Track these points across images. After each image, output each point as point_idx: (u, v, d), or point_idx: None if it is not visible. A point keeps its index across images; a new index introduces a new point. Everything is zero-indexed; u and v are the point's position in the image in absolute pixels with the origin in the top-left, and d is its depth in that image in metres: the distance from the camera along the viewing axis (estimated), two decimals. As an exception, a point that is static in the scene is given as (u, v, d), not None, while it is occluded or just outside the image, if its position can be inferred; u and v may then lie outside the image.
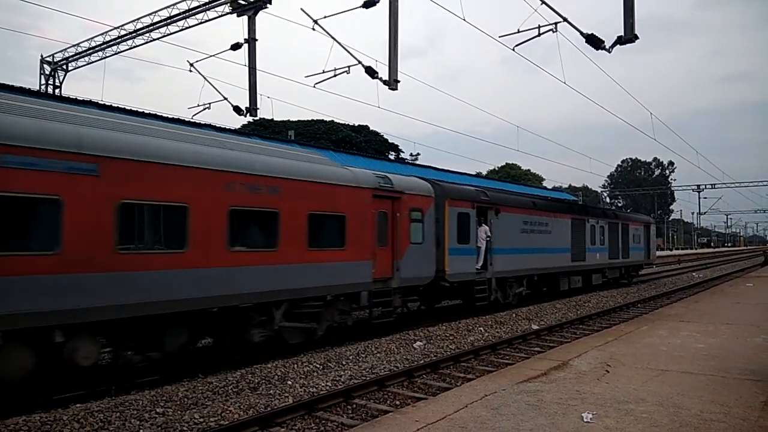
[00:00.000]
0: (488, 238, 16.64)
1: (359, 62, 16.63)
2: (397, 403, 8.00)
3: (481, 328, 14.05)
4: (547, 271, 20.07)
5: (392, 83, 16.15)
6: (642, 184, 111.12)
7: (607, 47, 13.83)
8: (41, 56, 25.56)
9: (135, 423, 6.79)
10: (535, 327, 14.49)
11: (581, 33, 14.13)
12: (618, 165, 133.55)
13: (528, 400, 6.34)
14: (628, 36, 13.30)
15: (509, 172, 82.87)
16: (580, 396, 6.53)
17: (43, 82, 25.15)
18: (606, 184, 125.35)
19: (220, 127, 21.23)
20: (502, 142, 70.20)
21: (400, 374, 9.27)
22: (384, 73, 16.23)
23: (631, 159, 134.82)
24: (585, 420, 5.61)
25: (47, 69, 25.08)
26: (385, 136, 65.54)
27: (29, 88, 17.56)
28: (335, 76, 17.20)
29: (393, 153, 64.38)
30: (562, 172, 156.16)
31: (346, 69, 16.89)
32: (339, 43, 16.73)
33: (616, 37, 13.57)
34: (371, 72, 16.42)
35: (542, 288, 20.78)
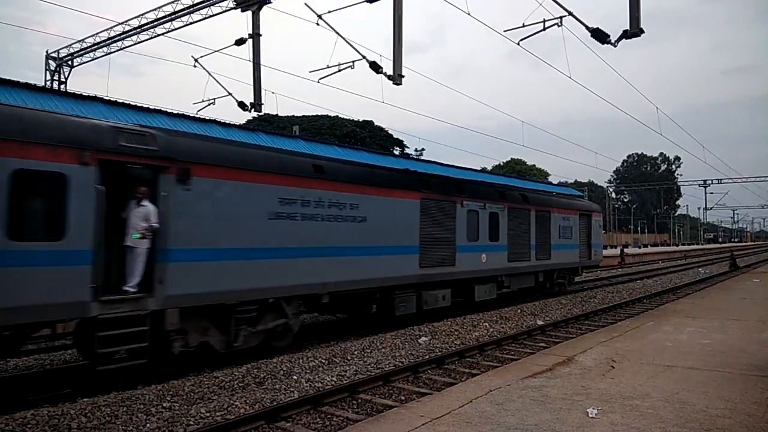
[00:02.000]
0: (150, 230, 8.38)
1: (363, 57, 16.56)
2: (402, 398, 8.02)
3: (486, 324, 14.04)
4: (353, 288, 11.94)
5: (396, 78, 16.05)
6: (648, 180, 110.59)
7: (612, 41, 13.73)
8: (46, 52, 25.65)
9: (142, 417, 6.83)
10: (540, 322, 14.48)
11: (587, 27, 14.02)
12: (624, 160, 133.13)
13: (533, 396, 6.35)
14: (634, 30, 13.18)
15: (515, 168, 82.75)
16: (585, 391, 6.53)
17: (48, 77, 25.23)
18: (612, 180, 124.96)
19: (227, 123, 21.20)
20: (507, 138, 69.99)
21: (405, 369, 9.29)
22: (388, 68, 16.17)
23: (637, 154, 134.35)
24: (590, 415, 5.61)
25: (52, 65, 25.16)
26: (390, 132, 65.67)
27: (35, 84, 17.58)
28: (339, 71, 17.12)
29: (398, 148, 64.36)
30: (568, 167, 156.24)
31: (351, 64, 16.82)
32: (343, 38, 16.67)
33: (621, 32, 13.47)
34: (375, 67, 16.34)
35: (345, 314, 13.34)
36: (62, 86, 24.96)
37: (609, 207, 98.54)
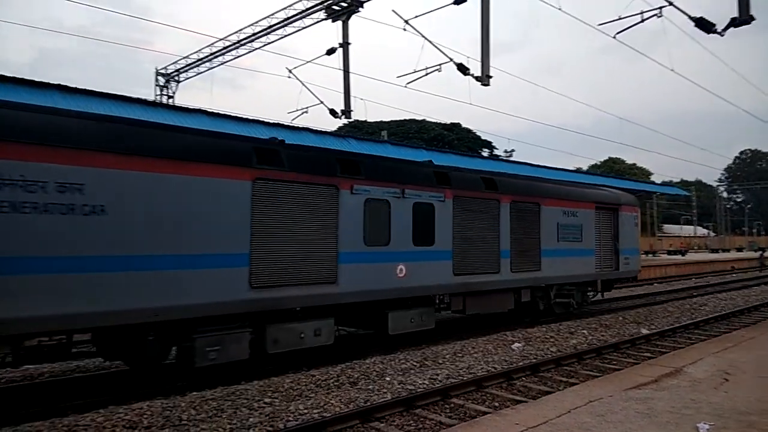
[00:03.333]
0: None
1: (450, 60, 16.54)
2: (496, 404, 7.88)
3: (585, 331, 13.47)
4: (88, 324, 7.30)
5: (484, 79, 15.88)
6: (764, 177, 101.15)
7: (719, 30, 12.79)
8: (156, 69, 27.83)
9: (245, 411, 7.21)
10: (644, 331, 13.66)
11: (689, 17, 13.15)
12: (736, 157, 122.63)
13: (637, 408, 6.02)
14: (744, 17, 12.20)
15: (612, 167, 78.79)
16: (695, 405, 6.10)
17: (157, 92, 27.39)
18: (723, 178, 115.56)
19: (319, 130, 21.97)
20: (603, 135, 66.98)
21: (498, 375, 9.13)
22: (476, 70, 16.04)
23: (750, 150, 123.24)
24: (701, 431, 5.23)
25: (161, 80, 27.27)
26: (478, 133, 64.84)
27: (145, 99, 19.17)
28: (427, 75, 17.24)
29: (486, 150, 63.40)
30: (672, 165, 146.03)
31: (438, 67, 16.87)
32: (430, 42, 16.74)
33: (729, 19, 12.50)
34: (463, 69, 16.26)
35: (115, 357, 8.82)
36: (170, 100, 26.97)
37: (720, 207, 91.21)
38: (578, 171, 48.37)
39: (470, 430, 5.51)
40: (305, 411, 7.23)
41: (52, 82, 15.88)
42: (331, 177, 9.86)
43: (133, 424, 6.59)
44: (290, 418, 6.99)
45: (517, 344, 11.75)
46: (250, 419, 6.89)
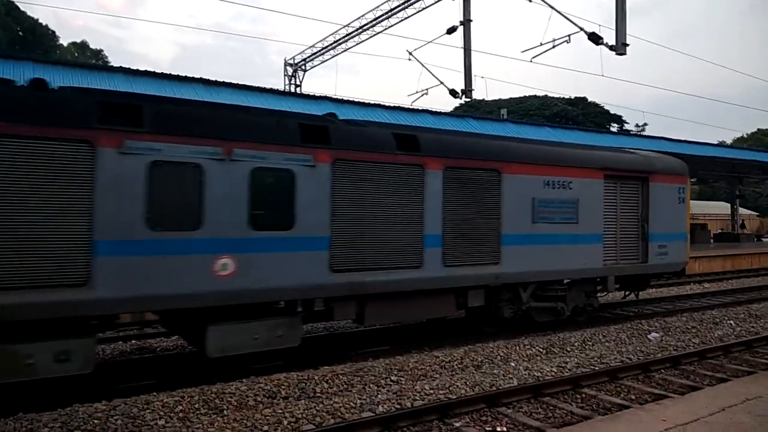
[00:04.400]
0: None
1: (581, 29, 15.57)
2: (632, 397, 7.40)
3: (731, 322, 12.24)
4: None
5: (620, 47, 14.81)
6: None
7: None
8: (284, 60, 29.29)
9: (373, 388, 7.44)
10: (806, 324, 12.11)
11: None
12: None
13: (807, 412, 5.33)
14: None
15: (762, 139, 70.23)
16: None
17: (286, 82, 28.81)
18: None
19: (437, 111, 21.88)
20: (752, 105, 59.61)
21: (634, 367, 8.55)
22: (609, 38, 14.97)
23: None
24: None
25: (289, 70, 28.64)
26: (607, 107, 60.74)
27: (276, 89, 20.26)
28: (554, 47, 16.40)
29: (615, 125, 59.32)
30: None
31: (567, 38, 15.97)
32: (558, 12, 15.87)
33: None
34: (595, 38, 15.25)
35: None
36: (297, 89, 28.26)
37: None
38: (721, 145, 43.59)
39: (612, 424, 5.21)
40: (431, 391, 7.29)
41: (194, 76, 17.31)
42: (74, 129, 6.60)
43: (271, 393, 7.06)
44: (416, 397, 7.09)
45: (654, 334, 10.95)
46: (379, 396, 7.09)
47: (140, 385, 7.55)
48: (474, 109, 50.80)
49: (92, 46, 58.90)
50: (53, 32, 52.01)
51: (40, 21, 49.82)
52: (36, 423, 5.89)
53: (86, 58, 53.06)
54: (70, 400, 6.61)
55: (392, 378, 7.84)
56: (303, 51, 28.08)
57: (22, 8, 44.99)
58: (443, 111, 25.14)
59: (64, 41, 55.39)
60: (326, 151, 8.26)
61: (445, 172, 9.36)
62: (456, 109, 50.12)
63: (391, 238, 8.84)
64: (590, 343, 10.23)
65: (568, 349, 9.84)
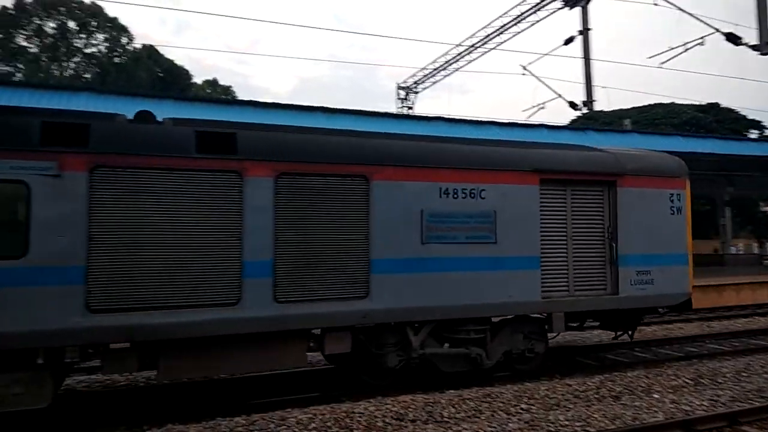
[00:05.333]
0: None
1: (717, 30, 14.31)
2: (805, 439, 6.47)
3: None
4: None
5: (764, 47, 13.41)
6: None
7: None
8: (397, 84, 30.01)
9: (503, 416, 7.15)
10: None
11: None
12: None
13: None
14: None
15: None
16: None
17: (399, 105, 29.47)
18: None
19: (554, 125, 21.16)
20: None
21: (803, 403, 7.50)
22: (750, 38, 13.61)
23: None
24: None
25: (401, 93, 29.27)
26: (743, 113, 55.17)
27: (391, 112, 20.74)
28: (685, 51, 15.21)
29: (755, 131, 53.62)
30: None
31: (700, 40, 14.74)
32: (688, 13, 14.72)
33: None
34: (733, 38, 13.93)
35: None
36: (410, 111, 28.77)
37: None
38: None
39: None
40: (566, 423, 6.86)
41: (315, 105, 18.24)
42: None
43: (400, 416, 7.04)
44: (551, 428, 6.71)
45: (825, 367, 9.56)
46: (510, 424, 6.80)
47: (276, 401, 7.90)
48: (593, 120, 48.40)
49: (221, 82, 64.22)
50: (187, 71, 57.44)
51: (176, 62, 55.31)
52: (186, 434, 6.32)
53: (217, 93, 57.87)
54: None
55: (522, 406, 7.51)
56: (414, 74, 28.59)
57: (160, 51, 50.31)
58: (560, 125, 24.27)
59: (197, 79, 60.92)
60: (80, 156, 6.46)
61: (278, 181, 7.29)
62: (572, 122, 48.09)
63: (185, 267, 6.82)
64: (745, 374, 9.15)
65: (720, 380, 8.87)
